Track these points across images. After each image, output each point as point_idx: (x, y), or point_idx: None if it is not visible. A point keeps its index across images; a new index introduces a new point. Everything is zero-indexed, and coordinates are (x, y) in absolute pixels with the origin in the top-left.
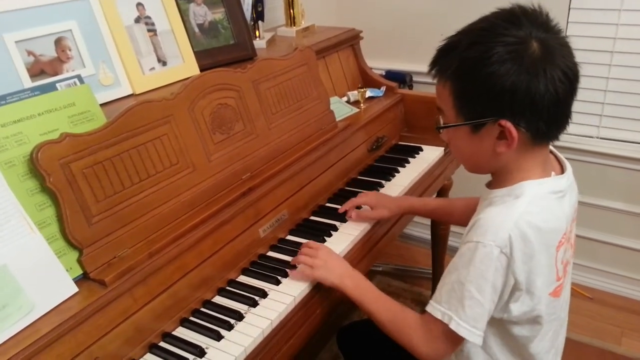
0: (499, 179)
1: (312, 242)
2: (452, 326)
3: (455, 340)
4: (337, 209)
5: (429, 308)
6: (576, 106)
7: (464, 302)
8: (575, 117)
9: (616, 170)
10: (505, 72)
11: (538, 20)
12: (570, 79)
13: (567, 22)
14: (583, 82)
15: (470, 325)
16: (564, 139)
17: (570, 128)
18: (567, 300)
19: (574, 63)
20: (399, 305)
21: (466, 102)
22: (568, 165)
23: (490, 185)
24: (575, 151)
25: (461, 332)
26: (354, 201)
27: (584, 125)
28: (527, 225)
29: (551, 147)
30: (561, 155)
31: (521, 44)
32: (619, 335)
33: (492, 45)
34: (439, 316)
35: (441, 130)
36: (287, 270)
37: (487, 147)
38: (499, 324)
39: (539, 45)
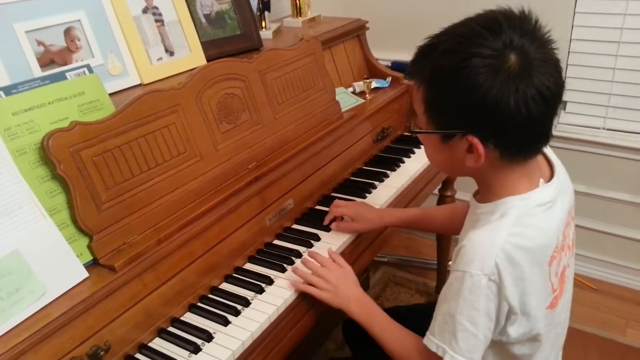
0: (484, 191)
1: (327, 261)
2: (447, 359)
3: None
4: (343, 198)
5: (425, 339)
6: (582, 97)
7: (457, 334)
8: (581, 108)
9: (622, 161)
10: (476, 86)
11: (523, 28)
12: (545, 98)
13: (574, 13)
14: (589, 73)
15: (465, 358)
16: (570, 130)
17: (577, 119)
18: (567, 303)
19: (554, 82)
20: (406, 332)
21: (436, 111)
22: (557, 168)
23: (477, 197)
24: (582, 142)
25: None
26: (335, 212)
27: (590, 117)
28: (513, 248)
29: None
30: (552, 155)
31: (497, 57)
32: (624, 326)
33: (467, 55)
34: (433, 348)
35: (415, 135)
36: (301, 249)
37: (458, 158)
38: (499, 345)
39: (517, 59)
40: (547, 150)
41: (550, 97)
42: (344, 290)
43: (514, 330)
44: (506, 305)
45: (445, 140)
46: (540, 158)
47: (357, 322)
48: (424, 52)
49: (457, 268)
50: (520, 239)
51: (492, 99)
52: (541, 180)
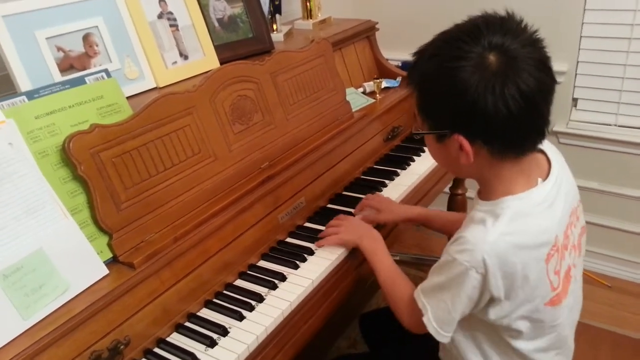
0: (484, 189)
1: (341, 215)
2: (424, 320)
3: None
4: (353, 197)
5: (415, 293)
6: (593, 94)
7: (439, 304)
8: (592, 105)
9: (635, 157)
10: (455, 87)
11: (504, 28)
12: (526, 96)
13: (584, 10)
14: (600, 70)
15: (437, 325)
16: (582, 127)
17: (588, 116)
18: (575, 302)
19: (537, 78)
20: (401, 276)
21: (426, 112)
22: (555, 167)
23: (479, 194)
24: (594, 139)
25: (429, 328)
26: (364, 203)
27: (601, 113)
28: (506, 246)
29: (541, 145)
30: (552, 154)
31: (475, 59)
32: (638, 324)
33: (446, 59)
34: (419, 305)
35: (416, 137)
36: (313, 247)
37: (453, 157)
38: (485, 322)
39: (496, 59)
40: (548, 148)
41: (531, 96)
42: (359, 228)
43: (494, 312)
44: (489, 294)
45: (439, 140)
46: (539, 156)
47: (367, 259)
48: (415, 60)
49: (450, 252)
50: (514, 238)
51: (470, 99)
52: (539, 179)
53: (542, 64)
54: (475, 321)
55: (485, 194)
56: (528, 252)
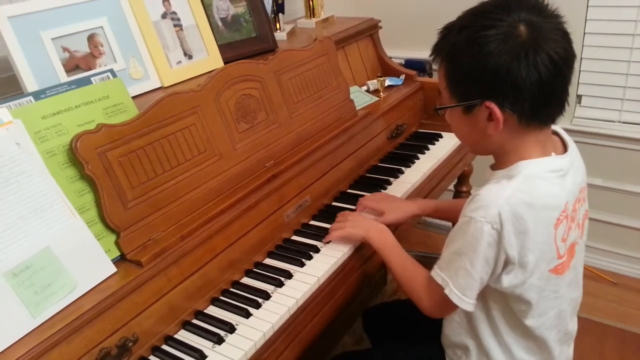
0: (500, 160)
1: (345, 212)
2: (446, 291)
3: (451, 303)
4: (358, 195)
5: (432, 272)
6: (597, 90)
7: (458, 271)
8: (596, 102)
9: (639, 154)
10: (488, 54)
11: (530, 4)
12: (556, 63)
13: (587, 6)
14: (604, 67)
15: (460, 293)
16: (586, 124)
17: (592, 113)
18: (574, 281)
19: (564, 47)
20: (414, 263)
21: (456, 83)
22: (571, 145)
23: (493, 167)
24: (598, 136)
25: (453, 299)
26: (364, 205)
27: (605, 110)
28: (519, 202)
29: (556, 128)
30: (566, 136)
31: (506, 28)
32: None
33: (479, 29)
34: (439, 281)
35: (440, 112)
36: (319, 244)
37: (480, 129)
38: (499, 294)
39: (526, 29)
40: (562, 132)
41: (560, 62)
42: (364, 222)
43: (507, 280)
44: (504, 254)
45: (467, 111)
46: (555, 138)
47: (376, 250)
48: (442, 34)
49: (465, 213)
50: (526, 195)
51: (504, 65)
52: (553, 153)
53: (566, 35)
54: (489, 292)
55: (500, 164)
56: (538, 213)
